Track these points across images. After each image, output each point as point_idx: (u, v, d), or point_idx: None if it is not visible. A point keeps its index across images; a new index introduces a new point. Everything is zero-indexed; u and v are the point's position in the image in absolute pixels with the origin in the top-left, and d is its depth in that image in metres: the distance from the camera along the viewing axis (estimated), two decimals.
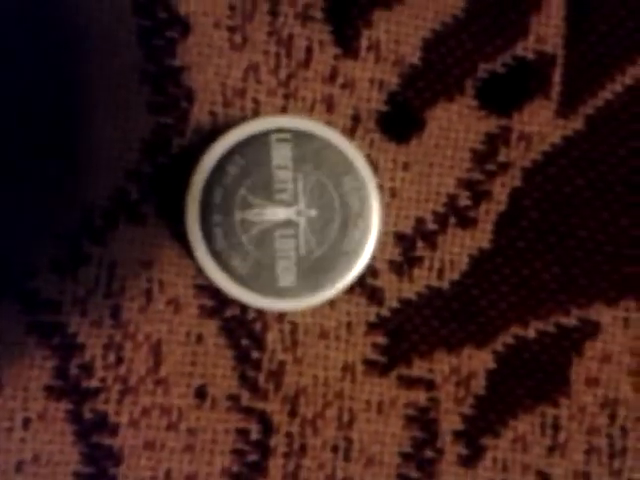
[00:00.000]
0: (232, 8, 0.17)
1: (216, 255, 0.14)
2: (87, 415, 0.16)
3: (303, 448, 0.17)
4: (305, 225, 0.14)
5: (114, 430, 0.16)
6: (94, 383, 0.16)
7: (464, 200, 0.17)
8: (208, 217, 0.13)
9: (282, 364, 0.17)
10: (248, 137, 0.13)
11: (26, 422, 0.16)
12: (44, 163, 0.16)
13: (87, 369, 0.16)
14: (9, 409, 0.16)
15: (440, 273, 0.17)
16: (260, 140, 0.13)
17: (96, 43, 0.16)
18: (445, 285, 0.17)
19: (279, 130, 0.14)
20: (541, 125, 0.18)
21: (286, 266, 0.14)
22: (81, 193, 0.16)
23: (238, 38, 0.17)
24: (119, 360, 0.16)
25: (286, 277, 0.14)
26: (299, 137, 0.14)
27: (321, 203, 0.14)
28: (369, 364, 0.17)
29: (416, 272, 0.17)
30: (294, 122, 0.13)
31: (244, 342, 0.17)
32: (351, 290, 0.17)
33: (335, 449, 0.17)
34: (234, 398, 0.16)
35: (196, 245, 0.13)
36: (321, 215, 0.14)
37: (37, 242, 0.16)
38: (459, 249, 0.18)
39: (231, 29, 0.17)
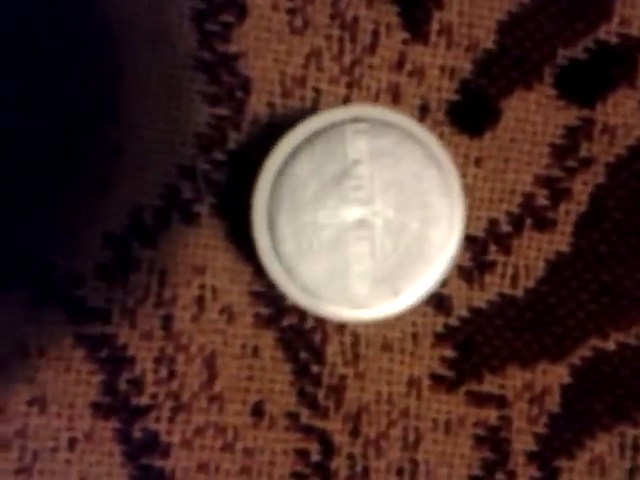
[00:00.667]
0: None
1: (283, 259, 0.12)
2: (137, 434, 0.15)
3: (366, 471, 0.16)
4: (381, 226, 0.12)
5: (166, 451, 0.15)
6: (144, 400, 0.15)
7: (542, 199, 0.16)
8: (275, 217, 0.12)
9: (343, 379, 0.16)
10: (320, 129, 0.12)
11: (72, 442, 0.15)
12: (90, 160, 0.15)
13: (137, 384, 0.15)
14: (54, 428, 0.15)
15: (514, 280, 0.17)
16: (334, 132, 0.12)
17: (146, 29, 0.15)
18: (519, 293, 0.17)
19: (355, 120, 0.12)
20: (626, 117, 0.17)
21: (360, 272, 0.12)
22: (130, 191, 0.15)
23: (299, 21, 0.15)
24: (171, 374, 0.15)
25: (360, 284, 0.12)
26: (377, 128, 0.12)
27: (399, 202, 0.12)
28: (436, 379, 0.16)
29: (488, 279, 0.17)
30: (371, 111, 0.12)
31: (303, 355, 0.15)
32: None
33: (400, 472, 0.16)
34: (293, 416, 0.15)
35: (262, 248, 0.12)
36: (398, 215, 0.12)
37: (83, 245, 0.15)
38: (535, 253, 0.17)
39: (291, 11, 0.15)
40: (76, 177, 0.17)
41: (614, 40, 0.19)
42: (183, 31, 0.17)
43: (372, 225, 0.14)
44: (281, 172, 0.14)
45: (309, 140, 0.14)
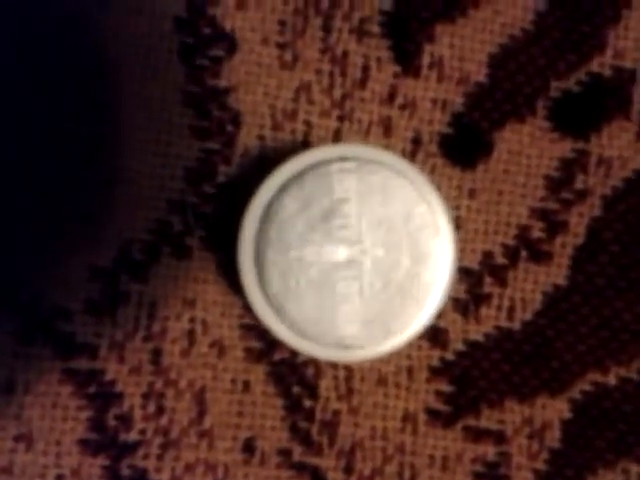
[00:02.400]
0: (282, 23, 0.16)
1: (270, 297, 0.12)
2: (125, 472, 0.15)
3: None
4: (370, 266, 0.12)
5: None
6: (133, 436, 0.15)
7: (537, 232, 0.16)
8: (263, 254, 0.12)
9: (337, 414, 0.16)
10: (307, 167, 0.12)
11: (59, 479, 0.15)
12: (78, 194, 0.15)
13: (125, 420, 0.15)
14: (41, 465, 0.15)
15: (510, 313, 0.17)
16: (320, 170, 0.12)
17: (134, 63, 0.16)
18: (516, 326, 0.17)
19: (342, 159, 0.12)
20: (621, 149, 0.17)
21: (348, 312, 0.12)
22: (119, 226, 0.15)
23: (288, 56, 0.16)
24: (160, 410, 0.15)
25: (348, 324, 0.13)
26: (364, 167, 0.12)
27: (388, 241, 0.13)
28: (432, 414, 0.16)
29: (484, 311, 0.17)
30: (358, 150, 0.12)
31: (295, 389, 0.15)
32: None
33: None
34: (285, 452, 0.15)
35: (249, 287, 0.12)
36: (388, 254, 0.13)
37: (71, 280, 0.15)
38: (532, 286, 0.17)
39: (281, 46, 0.16)
40: (64, 211, 0.17)
41: (608, 72, 0.18)
42: (172, 66, 0.17)
43: (360, 264, 0.14)
44: (268, 210, 0.14)
45: (296, 178, 0.14)
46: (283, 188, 0.13)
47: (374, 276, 0.14)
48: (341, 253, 0.13)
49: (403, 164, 0.14)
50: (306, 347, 0.13)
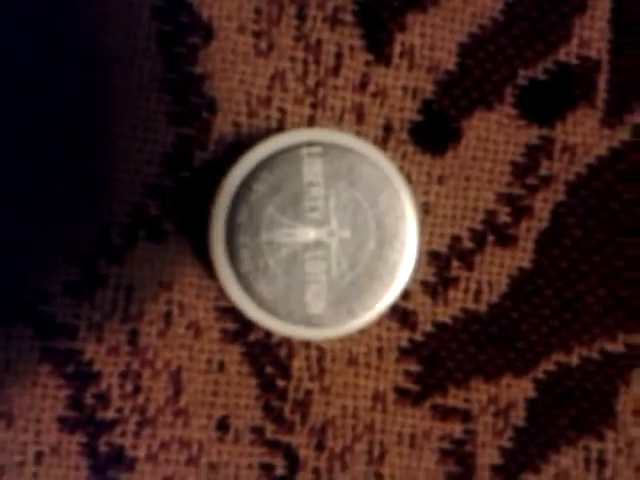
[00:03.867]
0: (257, 12, 0.16)
1: (241, 278, 0.13)
2: (102, 448, 0.15)
3: None
4: (337, 247, 0.13)
5: (131, 465, 0.15)
6: (110, 414, 0.15)
7: (503, 216, 0.17)
8: (233, 238, 0.13)
9: (309, 393, 0.16)
10: (277, 151, 0.13)
11: (39, 456, 0.15)
12: (58, 178, 0.15)
13: (103, 399, 0.15)
14: (21, 442, 0.15)
15: (477, 295, 0.17)
16: (290, 155, 0.13)
17: (113, 51, 0.16)
18: (482, 308, 0.17)
19: (310, 144, 0.13)
20: (585, 136, 0.17)
21: (316, 291, 0.13)
22: (97, 209, 0.16)
23: (264, 44, 0.16)
24: (137, 389, 0.15)
25: (316, 303, 0.13)
26: (332, 151, 0.13)
27: (355, 223, 0.13)
28: (401, 393, 0.16)
29: (451, 294, 0.17)
30: (326, 135, 0.13)
31: (268, 369, 0.16)
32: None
33: None
34: (258, 430, 0.16)
35: (220, 268, 0.13)
36: (355, 236, 0.13)
37: (51, 263, 0.15)
38: (498, 269, 0.17)
39: (256, 34, 0.16)
40: (44, 196, 0.17)
41: (573, 61, 0.19)
42: (150, 53, 0.18)
43: (328, 245, 0.14)
44: (238, 194, 0.14)
45: (266, 162, 0.14)
46: (253, 172, 0.14)
47: (341, 257, 0.14)
48: (310, 235, 0.14)
49: (369, 149, 0.14)
50: (275, 325, 0.14)
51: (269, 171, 0.14)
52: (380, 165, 0.14)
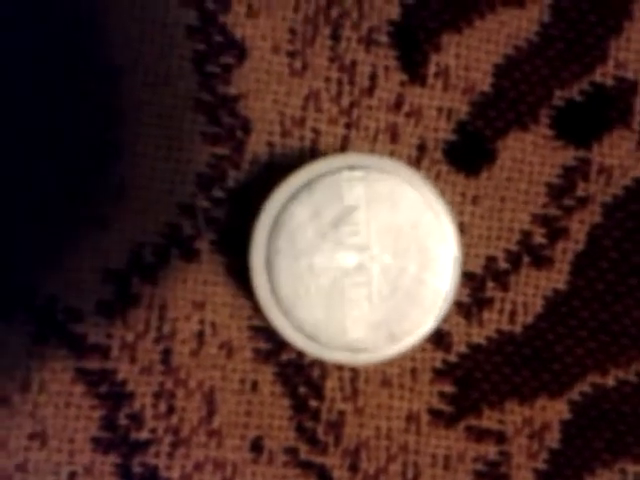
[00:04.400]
0: (292, 32, 0.16)
1: (281, 303, 0.13)
2: (136, 469, 0.15)
3: None
4: (378, 272, 0.13)
5: None
6: (144, 435, 0.15)
7: (539, 238, 0.17)
8: (273, 262, 0.13)
9: (342, 414, 0.16)
10: (317, 176, 0.12)
11: (72, 476, 0.15)
12: (92, 197, 0.15)
13: (137, 419, 0.15)
14: (54, 462, 0.15)
15: (512, 316, 0.17)
16: (330, 179, 0.13)
17: (147, 71, 0.16)
18: (517, 329, 0.17)
19: (351, 168, 0.13)
20: (622, 157, 0.17)
21: (357, 317, 0.13)
22: (131, 229, 0.16)
23: (298, 64, 0.16)
24: (170, 409, 0.15)
25: (356, 329, 0.13)
26: (372, 175, 0.13)
27: (396, 247, 0.13)
28: (435, 414, 0.16)
29: (486, 315, 0.17)
30: (367, 160, 0.13)
31: (301, 390, 0.16)
32: None
33: None
34: (292, 451, 0.16)
35: (261, 293, 0.13)
36: (396, 261, 0.13)
37: (84, 283, 0.15)
38: (533, 290, 0.17)
39: (291, 54, 0.16)
40: (78, 215, 0.17)
41: (610, 82, 0.19)
42: (184, 73, 0.17)
43: (369, 270, 0.14)
44: (278, 218, 0.14)
45: (307, 186, 0.14)
46: (293, 197, 0.14)
47: (382, 282, 0.14)
48: (350, 259, 0.14)
49: (410, 172, 0.14)
50: (315, 350, 0.14)
51: (309, 195, 0.14)
52: (421, 189, 0.14)
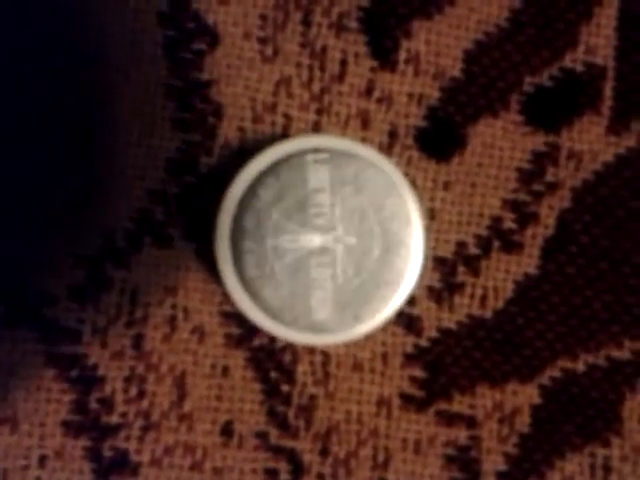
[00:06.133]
0: (263, 18, 0.16)
1: (247, 284, 0.13)
2: (107, 453, 0.15)
3: None
4: (343, 253, 0.13)
5: (135, 469, 0.15)
6: (114, 419, 0.15)
7: (509, 223, 0.17)
8: (239, 243, 0.13)
9: (313, 399, 0.16)
10: (282, 158, 0.12)
11: (42, 460, 0.15)
12: (63, 183, 0.15)
13: (107, 403, 0.15)
14: (25, 446, 0.15)
15: (483, 301, 0.17)
16: (295, 161, 0.13)
17: (119, 56, 0.16)
18: (488, 314, 0.17)
19: (316, 150, 0.13)
20: (592, 142, 0.17)
21: (321, 297, 0.13)
22: (103, 214, 0.16)
23: (269, 50, 0.16)
24: (141, 394, 0.15)
25: (321, 309, 0.13)
26: (337, 158, 0.13)
27: (360, 229, 0.13)
28: (406, 399, 0.16)
29: (457, 300, 0.17)
30: (332, 142, 0.13)
31: (273, 375, 0.16)
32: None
33: None
34: (262, 435, 0.16)
35: (226, 273, 0.13)
36: (360, 242, 0.13)
37: (56, 267, 0.15)
38: (503, 275, 0.17)
39: (262, 40, 0.16)
40: (50, 200, 0.17)
41: (579, 68, 0.19)
42: (155, 59, 0.17)
43: (333, 252, 0.14)
44: (244, 199, 0.14)
45: (272, 168, 0.14)
46: (258, 179, 0.14)
47: (347, 263, 0.14)
48: (315, 241, 0.14)
49: (375, 155, 0.14)
50: (280, 331, 0.14)
51: (275, 177, 0.14)
52: (386, 171, 0.14)
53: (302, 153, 0.14)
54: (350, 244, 0.14)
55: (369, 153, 0.14)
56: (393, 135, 0.18)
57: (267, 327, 0.14)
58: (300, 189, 0.14)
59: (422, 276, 0.18)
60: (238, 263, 0.14)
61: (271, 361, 0.18)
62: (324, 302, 0.14)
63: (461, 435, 0.18)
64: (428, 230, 0.18)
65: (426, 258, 0.18)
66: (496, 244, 0.18)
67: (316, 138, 0.14)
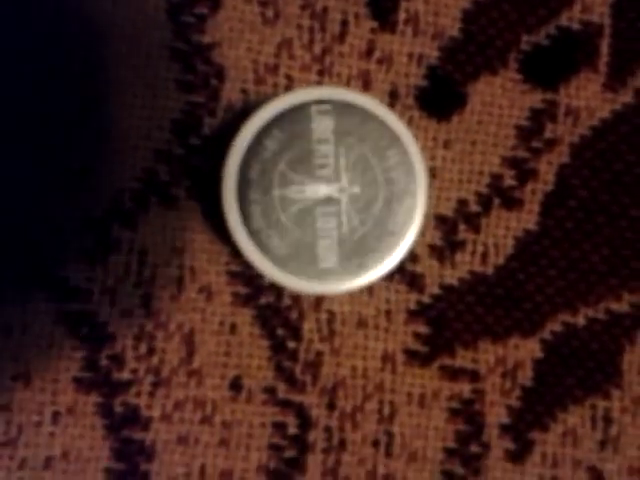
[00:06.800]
0: None
1: (254, 234, 0.13)
2: (118, 409, 0.15)
3: (342, 443, 0.16)
4: (348, 202, 0.13)
5: (146, 424, 0.15)
6: (125, 375, 0.15)
7: (509, 180, 0.17)
8: (245, 194, 0.13)
9: (319, 354, 0.16)
10: (287, 110, 0.13)
11: (55, 416, 0.15)
12: (70, 145, 0.15)
13: (118, 360, 0.15)
14: (38, 402, 0.15)
15: (484, 257, 0.17)
16: (300, 112, 0.13)
17: (123, 20, 0.16)
18: (489, 270, 0.17)
19: (319, 102, 0.13)
20: (589, 99, 0.17)
21: (327, 246, 0.13)
22: (109, 175, 0.16)
23: (270, 12, 0.16)
24: (151, 351, 0.15)
25: (327, 258, 0.13)
26: (341, 109, 0.13)
27: (365, 179, 0.13)
28: (410, 354, 0.16)
29: (458, 257, 0.17)
30: (335, 93, 0.13)
31: (279, 331, 0.16)
32: (390, 276, 0.16)
33: (376, 444, 0.16)
34: (270, 390, 0.16)
35: (233, 224, 0.13)
36: (364, 192, 0.13)
37: (65, 228, 0.15)
38: (504, 232, 0.17)
39: (263, 3, 0.16)
40: (55, 162, 0.17)
41: (576, 26, 0.19)
42: (159, 23, 0.18)
43: (338, 201, 0.14)
44: (249, 151, 0.14)
45: (276, 120, 0.14)
46: (264, 130, 0.14)
47: (352, 212, 0.14)
48: (320, 191, 0.14)
49: (377, 106, 0.14)
50: (287, 280, 0.14)
51: (280, 128, 0.14)
52: (389, 122, 0.14)
53: (306, 105, 0.14)
54: (355, 194, 0.14)
55: (372, 104, 0.14)
56: (394, 95, 0.18)
57: (274, 276, 0.14)
58: (305, 140, 0.14)
59: (424, 234, 0.18)
60: (245, 214, 0.14)
61: (278, 318, 0.18)
62: (330, 251, 0.14)
63: (465, 389, 0.18)
64: (429, 187, 0.18)
65: (428, 213, 0.18)
66: (496, 201, 0.18)
67: (319, 89, 0.14)
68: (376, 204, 0.14)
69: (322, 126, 0.14)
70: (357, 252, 0.14)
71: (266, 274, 0.14)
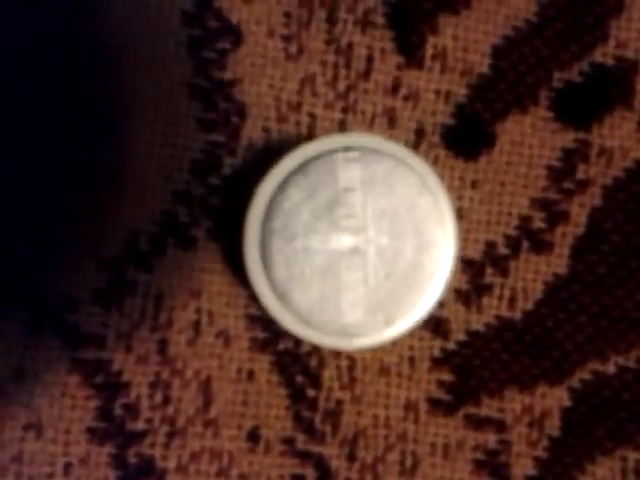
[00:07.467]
0: (287, 15, 0.15)
1: (275, 286, 0.12)
2: (132, 460, 0.15)
3: None
4: (374, 254, 0.12)
5: (161, 476, 0.15)
6: (140, 425, 0.15)
7: (538, 222, 0.16)
8: (268, 244, 0.12)
9: (340, 403, 0.16)
10: (312, 157, 0.12)
11: (67, 467, 0.15)
12: (85, 184, 0.15)
13: (132, 410, 0.14)
14: (50, 453, 0.15)
15: (511, 302, 0.16)
16: (325, 160, 0.12)
17: (143, 56, 0.15)
18: (517, 315, 0.17)
19: (346, 149, 0.12)
20: (623, 139, 0.16)
21: (352, 300, 0.12)
22: (126, 216, 0.15)
23: (293, 48, 0.15)
24: (166, 400, 0.15)
25: (352, 312, 0.12)
26: (368, 156, 0.12)
27: (392, 230, 0.12)
28: (434, 403, 0.16)
29: (485, 301, 0.16)
30: (362, 140, 0.12)
31: (299, 379, 0.15)
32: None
33: None
34: (289, 441, 0.15)
35: (254, 275, 0.12)
36: (392, 243, 0.12)
37: (78, 271, 0.15)
38: (533, 276, 0.16)
39: (286, 38, 0.15)
40: (73, 203, 0.16)
41: (610, 62, 0.18)
42: (179, 58, 0.17)
43: (365, 253, 0.14)
44: (273, 199, 0.14)
45: (301, 168, 0.13)
46: (288, 178, 0.13)
47: (378, 264, 0.13)
48: (346, 242, 0.13)
49: (406, 153, 0.13)
50: (310, 335, 0.13)
51: (304, 176, 0.13)
52: (418, 169, 0.14)
53: (332, 152, 0.13)
54: (382, 245, 0.13)
55: (400, 151, 0.14)
56: (420, 133, 0.17)
57: (296, 331, 0.14)
58: (330, 188, 0.13)
59: (450, 278, 0.17)
60: (267, 264, 0.13)
61: (297, 365, 0.17)
62: (355, 305, 0.13)
63: (490, 439, 0.18)
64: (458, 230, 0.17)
65: (456, 259, 0.17)
66: (525, 244, 0.18)
67: (346, 137, 0.13)
68: (404, 256, 0.13)
69: (348, 174, 0.13)
70: (384, 306, 0.13)
71: (288, 328, 0.13)
